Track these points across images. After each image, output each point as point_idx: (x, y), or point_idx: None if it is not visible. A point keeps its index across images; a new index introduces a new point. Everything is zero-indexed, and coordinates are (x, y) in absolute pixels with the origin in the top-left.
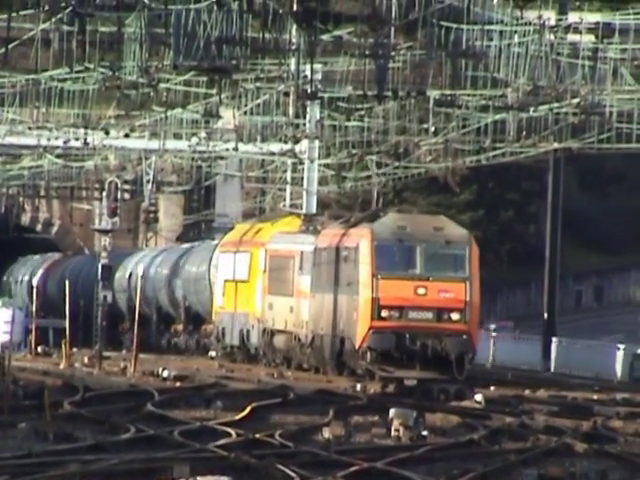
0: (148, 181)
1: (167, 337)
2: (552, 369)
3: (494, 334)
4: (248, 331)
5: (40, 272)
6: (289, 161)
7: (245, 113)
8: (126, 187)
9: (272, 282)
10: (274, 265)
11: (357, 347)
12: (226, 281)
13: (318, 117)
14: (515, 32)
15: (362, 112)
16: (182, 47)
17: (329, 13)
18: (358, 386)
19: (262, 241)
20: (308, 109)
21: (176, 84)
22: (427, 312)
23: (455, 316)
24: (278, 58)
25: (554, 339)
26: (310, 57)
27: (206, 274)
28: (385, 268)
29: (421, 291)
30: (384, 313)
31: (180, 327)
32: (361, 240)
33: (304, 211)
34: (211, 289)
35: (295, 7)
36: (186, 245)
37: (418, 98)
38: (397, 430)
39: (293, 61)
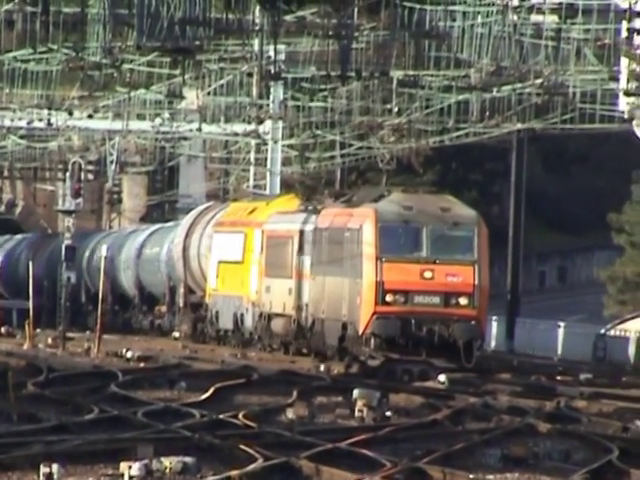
0: (112, 162)
1: (150, 318)
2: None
3: None
4: (242, 314)
5: (3, 253)
6: (253, 142)
7: (208, 94)
8: (90, 168)
9: (269, 263)
10: (271, 246)
11: (360, 333)
12: (220, 262)
13: (281, 98)
14: (478, 13)
15: (325, 93)
16: (145, 28)
17: None
18: (322, 367)
19: (258, 221)
20: (272, 90)
21: (139, 65)
22: (434, 296)
23: (463, 301)
24: (241, 39)
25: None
26: (273, 38)
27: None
28: (390, 250)
29: (427, 275)
30: (389, 298)
31: (164, 308)
32: (365, 221)
33: (268, 192)
34: (185, 269)
35: None
36: (170, 224)
37: (381, 79)
38: (361, 410)
39: (256, 42)
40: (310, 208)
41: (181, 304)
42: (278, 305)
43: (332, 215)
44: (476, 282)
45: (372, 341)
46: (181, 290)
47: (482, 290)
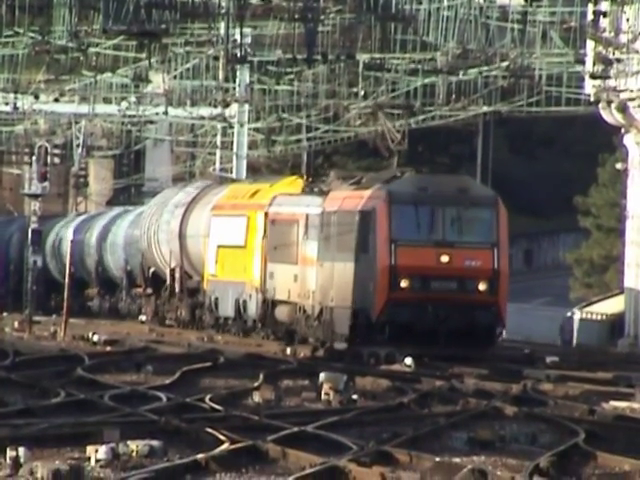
0: (78, 145)
1: (131, 302)
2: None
3: None
4: (245, 301)
5: None
6: (219, 125)
7: (175, 77)
8: (56, 152)
9: (273, 248)
10: (275, 230)
11: (374, 321)
12: (220, 247)
13: (248, 81)
14: None
15: (292, 76)
16: (111, 11)
17: None
18: (288, 350)
19: (261, 203)
20: (238, 73)
21: (105, 48)
22: (451, 282)
23: (482, 286)
24: (207, 22)
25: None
26: (239, 21)
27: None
28: (404, 234)
29: (444, 259)
30: (403, 283)
31: (140, 290)
32: (377, 203)
33: (234, 175)
34: (182, 253)
35: None
36: (155, 202)
37: (347, 62)
38: (327, 394)
39: (222, 25)
40: (316, 190)
41: (177, 289)
42: (282, 292)
43: (341, 198)
44: (495, 266)
45: (386, 329)
46: (177, 275)
47: (502, 275)
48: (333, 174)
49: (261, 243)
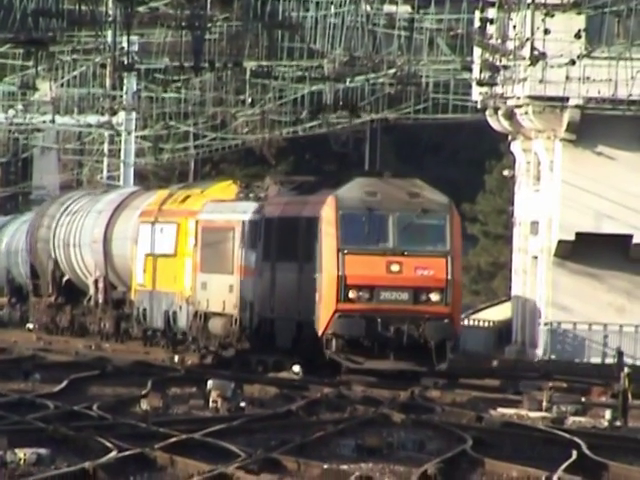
0: None
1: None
2: None
3: None
4: (175, 313)
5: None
6: (106, 133)
7: (62, 85)
8: None
9: (206, 257)
10: (208, 238)
11: (320, 334)
12: (148, 255)
13: (135, 89)
14: (331, 3)
15: (179, 84)
16: None
17: None
18: (176, 357)
19: (192, 210)
20: (125, 81)
21: None
22: (402, 292)
23: (435, 297)
24: (94, 30)
25: None
26: (126, 29)
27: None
28: (352, 241)
29: (395, 268)
30: (352, 294)
31: (51, 299)
32: (323, 209)
33: (121, 183)
34: (106, 262)
35: None
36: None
37: (235, 69)
38: (215, 401)
39: (109, 33)
40: (252, 196)
41: (100, 300)
42: (216, 303)
43: (282, 204)
44: (449, 276)
45: (333, 342)
46: (101, 284)
47: (455, 285)
48: (269, 179)
49: (192, 252)
